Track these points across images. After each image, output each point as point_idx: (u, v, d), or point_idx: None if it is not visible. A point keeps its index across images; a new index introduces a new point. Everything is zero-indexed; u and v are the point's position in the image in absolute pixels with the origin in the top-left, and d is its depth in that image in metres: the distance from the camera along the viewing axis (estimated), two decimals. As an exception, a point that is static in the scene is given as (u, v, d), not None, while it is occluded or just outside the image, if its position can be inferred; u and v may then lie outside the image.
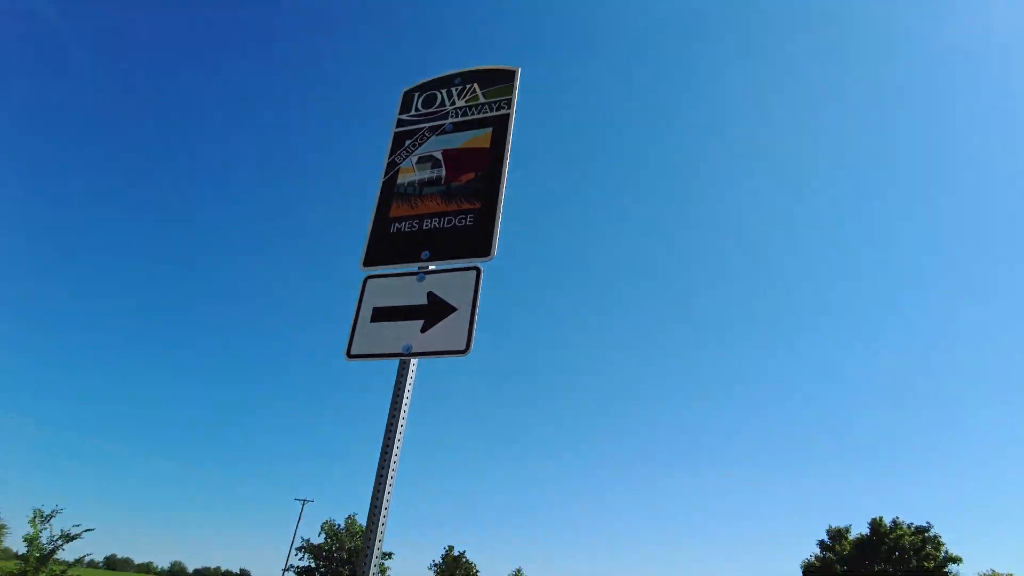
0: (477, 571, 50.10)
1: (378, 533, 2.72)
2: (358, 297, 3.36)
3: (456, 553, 50.10)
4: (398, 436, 2.92)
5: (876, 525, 38.87)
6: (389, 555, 40.86)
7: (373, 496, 2.81)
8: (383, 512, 2.77)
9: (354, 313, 3.30)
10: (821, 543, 41.25)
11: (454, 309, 3.05)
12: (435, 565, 49.02)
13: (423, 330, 3.07)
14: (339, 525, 37.90)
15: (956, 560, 36.74)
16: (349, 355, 3.18)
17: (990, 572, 60.40)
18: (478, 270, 3.14)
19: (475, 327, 2.95)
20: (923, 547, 36.61)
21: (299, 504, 57.40)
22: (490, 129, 3.63)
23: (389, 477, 2.83)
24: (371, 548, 2.69)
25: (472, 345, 2.90)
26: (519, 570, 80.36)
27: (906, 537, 37.17)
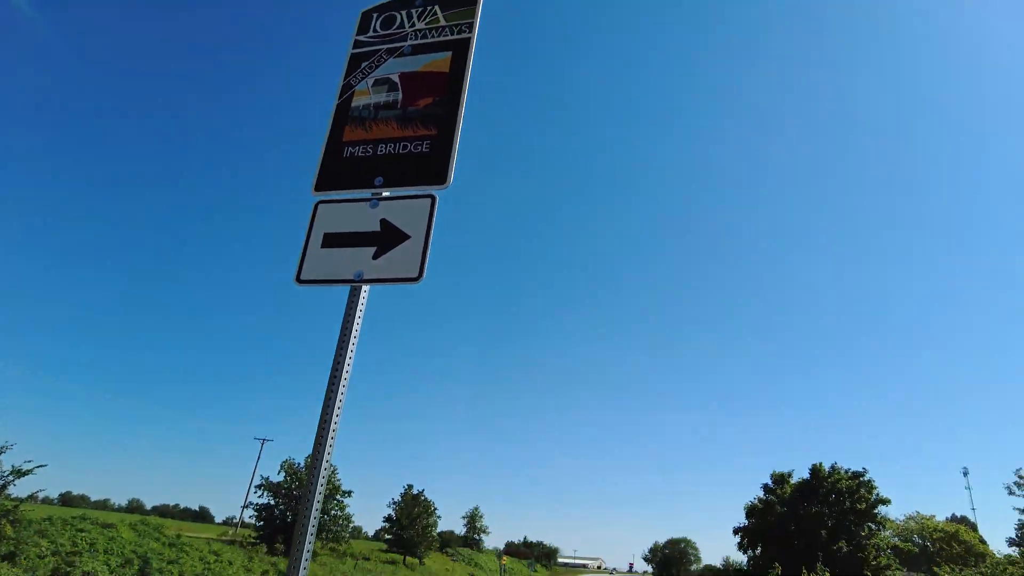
0: (435, 508, 51.38)
1: (323, 466, 2.68)
2: (309, 222, 3.25)
3: (415, 492, 51.20)
4: (347, 365, 2.87)
5: (816, 470, 40.85)
6: (348, 493, 41.51)
7: (320, 425, 2.77)
8: (329, 444, 2.73)
9: (304, 238, 3.21)
10: (765, 487, 43.27)
11: (407, 237, 2.98)
12: (394, 503, 50.08)
13: (375, 257, 3.00)
14: (299, 464, 38.16)
15: (885, 502, 39.00)
16: (299, 280, 3.10)
17: (915, 513, 64.79)
18: (433, 198, 3.06)
19: (428, 255, 2.90)
20: (858, 490, 38.70)
21: (259, 443, 57.74)
22: (450, 53, 3.49)
23: (337, 404, 2.79)
24: (315, 480, 2.66)
25: (425, 273, 2.85)
26: (476, 508, 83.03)
27: (843, 481, 39.18)
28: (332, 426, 2.77)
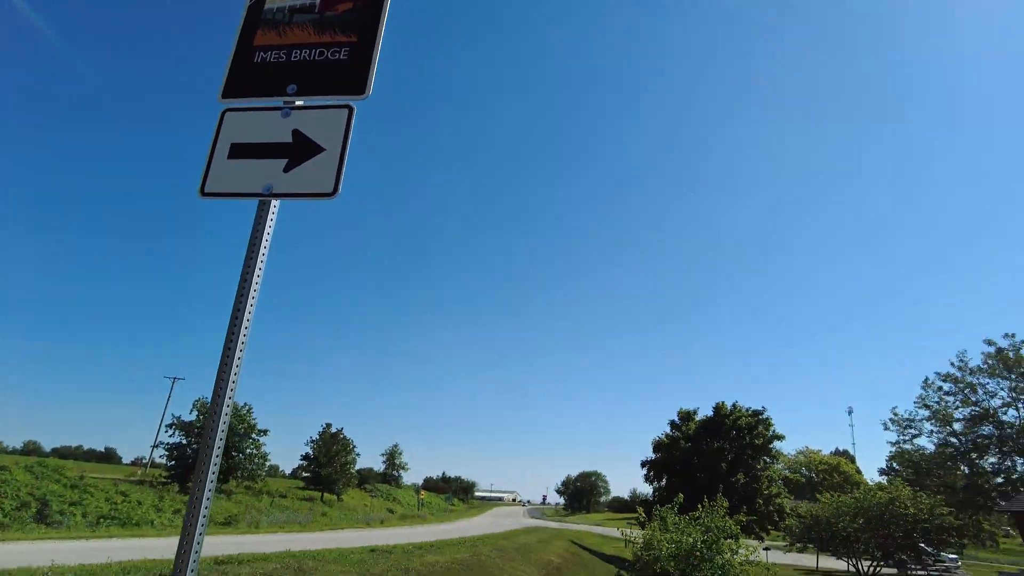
0: (354, 446, 51.57)
1: (228, 391, 2.51)
2: (215, 131, 2.98)
3: (334, 431, 51.10)
4: (254, 286, 2.67)
5: (719, 408, 43.56)
6: (264, 432, 41.03)
7: (225, 347, 2.57)
8: (234, 372, 2.55)
9: (210, 147, 2.94)
10: (672, 423, 45.79)
11: (322, 149, 2.78)
12: (312, 442, 49.82)
13: (286, 170, 2.78)
14: (211, 403, 37.23)
15: (780, 438, 42.26)
16: (203, 193, 2.84)
17: (804, 448, 70.64)
18: (350, 109, 2.85)
19: (344, 169, 2.72)
20: (756, 427, 41.61)
21: (169, 382, 55.69)
22: (373, -46, 3.22)
23: (244, 327, 2.59)
24: (220, 407, 2.48)
25: (340, 188, 2.68)
26: (396, 445, 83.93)
27: (743, 419, 42.00)
28: (238, 352, 2.57)
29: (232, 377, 2.54)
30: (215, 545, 15.95)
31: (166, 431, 38.74)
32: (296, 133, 2.86)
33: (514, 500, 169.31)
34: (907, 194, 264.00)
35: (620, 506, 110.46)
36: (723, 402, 43.74)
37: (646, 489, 50.08)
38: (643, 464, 45.37)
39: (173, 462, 37.06)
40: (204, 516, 2.36)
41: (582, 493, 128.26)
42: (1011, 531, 37.92)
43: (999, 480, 35.40)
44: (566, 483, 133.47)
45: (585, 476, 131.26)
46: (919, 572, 30.54)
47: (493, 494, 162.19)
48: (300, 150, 2.81)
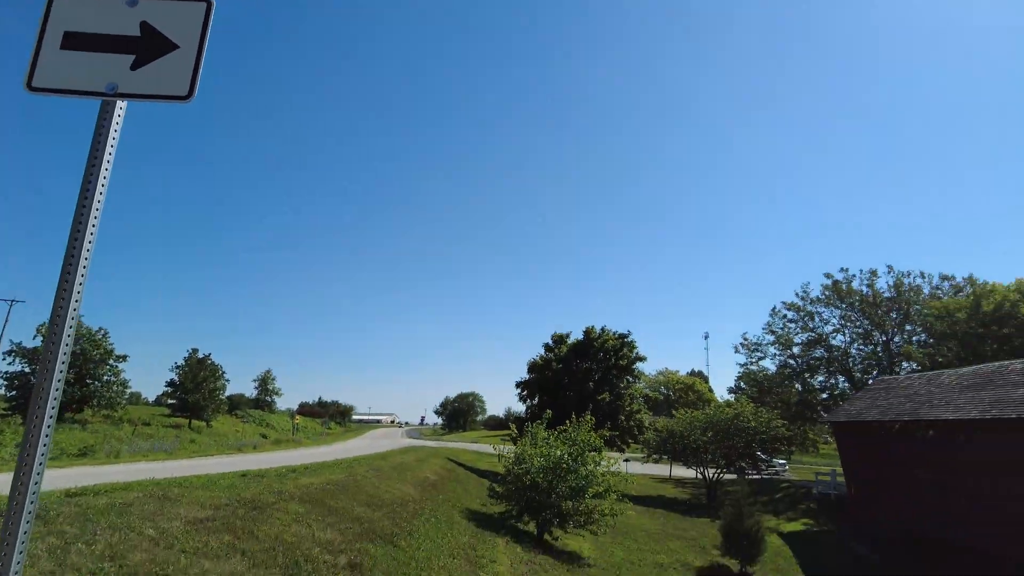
0: (223, 372, 49.43)
1: (71, 311, 2.28)
2: (42, 14, 2.55)
3: (200, 356, 48.57)
4: (97, 197, 2.37)
5: (588, 332, 46.00)
6: (124, 357, 38.34)
7: (65, 263, 2.31)
8: (77, 285, 2.31)
9: (37, 34, 2.52)
10: (546, 345, 47.86)
11: (176, 47, 2.49)
12: (177, 367, 47.19)
13: (134, 67, 2.47)
14: (57, 327, 33.98)
15: (643, 359, 45.64)
16: (30, 87, 2.45)
17: (664, 369, 76.74)
18: (209, 4, 2.56)
19: (200, 70, 2.47)
20: (621, 349, 44.49)
21: (6, 305, 50.12)
22: None
23: (88, 236, 2.33)
24: (61, 328, 2.26)
25: (196, 91, 2.43)
26: (268, 371, 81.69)
27: (610, 341, 44.71)
28: (80, 270, 2.32)
29: (75, 296, 2.30)
30: (67, 477, 15.00)
31: (4, 359, 35.24)
32: (145, 26, 2.53)
33: (392, 422, 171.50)
34: (779, 125, 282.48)
35: (496, 424, 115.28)
36: (593, 326, 46.28)
37: (521, 408, 52.48)
38: (518, 384, 47.35)
39: (14, 392, 33.96)
40: (45, 445, 2.17)
41: (460, 413, 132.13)
42: (829, 439, 43.73)
43: (824, 396, 40.47)
44: (444, 404, 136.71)
45: (463, 397, 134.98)
46: (754, 476, 34.68)
47: (371, 417, 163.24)
48: (150, 46, 2.50)
